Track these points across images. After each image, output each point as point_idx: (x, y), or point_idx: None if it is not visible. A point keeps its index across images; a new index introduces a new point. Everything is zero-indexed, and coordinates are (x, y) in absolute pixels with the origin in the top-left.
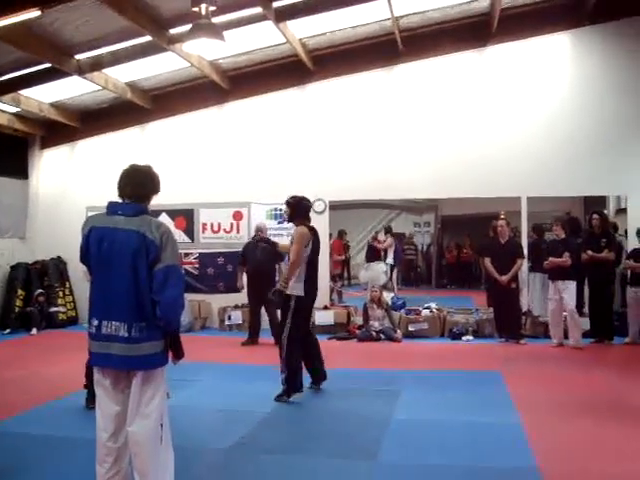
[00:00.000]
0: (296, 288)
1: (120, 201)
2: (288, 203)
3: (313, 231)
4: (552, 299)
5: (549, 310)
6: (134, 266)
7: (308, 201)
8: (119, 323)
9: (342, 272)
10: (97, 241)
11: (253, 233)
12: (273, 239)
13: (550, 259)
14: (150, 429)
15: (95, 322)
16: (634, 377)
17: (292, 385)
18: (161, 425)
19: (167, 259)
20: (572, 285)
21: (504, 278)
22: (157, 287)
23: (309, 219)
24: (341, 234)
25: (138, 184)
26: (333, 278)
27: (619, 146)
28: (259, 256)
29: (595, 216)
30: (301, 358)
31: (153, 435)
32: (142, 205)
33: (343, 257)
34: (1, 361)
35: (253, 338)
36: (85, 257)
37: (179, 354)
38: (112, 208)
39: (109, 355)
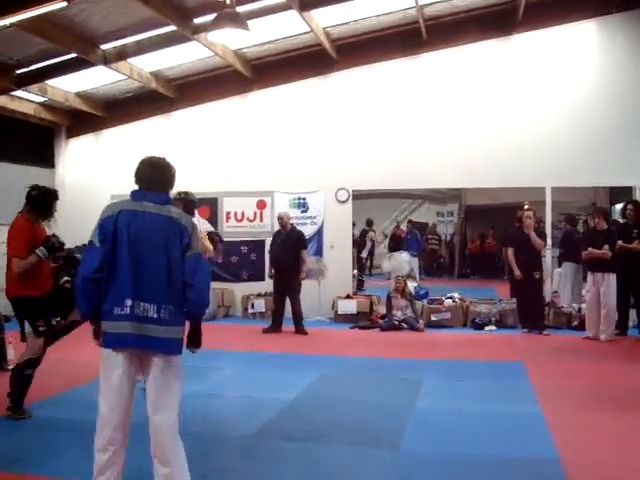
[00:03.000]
0: None
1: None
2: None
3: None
4: (590, 291)
5: (586, 302)
6: (167, 249)
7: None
8: (149, 304)
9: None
10: (127, 223)
11: (276, 222)
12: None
13: (589, 249)
14: (173, 418)
15: (129, 302)
16: None
17: None
18: (178, 414)
19: (197, 248)
20: (613, 278)
21: (518, 273)
22: (190, 271)
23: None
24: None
25: (159, 177)
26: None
27: None
28: (279, 245)
29: (630, 206)
30: None
31: (174, 424)
32: (168, 196)
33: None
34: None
35: (276, 326)
36: (110, 238)
37: (198, 342)
38: (138, 195)
39: (143, 336)
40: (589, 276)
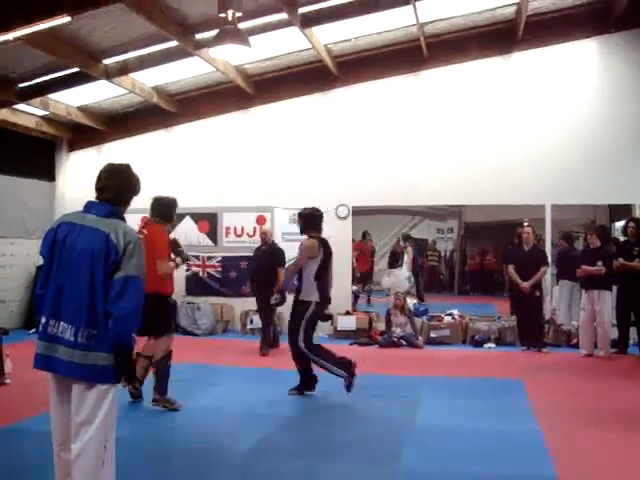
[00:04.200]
0: (311, 295)
1: (96, 201)
2: (300, 215)
3: (323, 242)
4: (585, 309)
5: (580, 320)
6: (92, 267)
7: (319, 212)
8: (66, 324)
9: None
10: (64, 235)
11: (276, 237)
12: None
13: (583, 267)
14: (91, 450)
15: (43, 319)
16: None
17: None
18: (105, 447)
19: (129, 269)
20: (607, 295)
21: (526, 284)
22: (113, 297)
23: (320, 230)
24: (365, 235)
25: (114, 185)
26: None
27: None
28: (259, 261)
29: (631, 224)
30: (328, 353)
31: (94, 457)
32: (116, 207)
33: (355, 255)
34: (26, 361)
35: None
36: (48, 250)
37: (129, 377)
38: (86, 206)
39: (52, 358)
40: (584, 294)
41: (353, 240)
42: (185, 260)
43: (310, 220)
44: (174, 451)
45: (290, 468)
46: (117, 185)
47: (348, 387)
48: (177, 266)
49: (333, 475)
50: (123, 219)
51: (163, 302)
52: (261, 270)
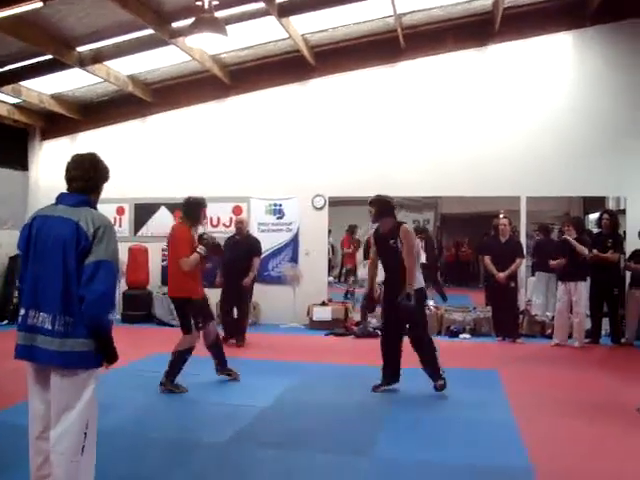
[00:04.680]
0: (419, 281)
1: (67, 192)
2: (373, 202)
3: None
4: (561, 300)
5: (556, 310)
6: (64, 256)
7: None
8: (45, 314)
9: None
10: (37, 229)
11: (251, 228)
12: (270, 235)
13: (557, 261)
14: (71, 435)
15: (22, 311)
16: (629, 378)
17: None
18: (85, 434)
19: (100, 254)
20: (584, 286)
21: (501, 275)
22: (84, 282)
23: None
24: (352, 229)
25: (81, 175)
26: (346, 274)
27: (619, 147)
28: (234, 250)
29: (605, 216)
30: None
31: (73, 443)
32: (86, 196)
33: (351, 250)
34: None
35: (229, 335)
36: (24, 244)
37: (109, 358)
38: (58, 198)
39: (32, 347)
40: (560, 285)
41: (329, 230)
42: (211, 246)
43: (388, 206)
44: (149, 442)
45: (266, 458)
46: (84, 174)
47: (442, 387)
48: (203, 256)
49: (309, 464)
50: (94, 207)
51: (187, 304)
52: (236, 260)
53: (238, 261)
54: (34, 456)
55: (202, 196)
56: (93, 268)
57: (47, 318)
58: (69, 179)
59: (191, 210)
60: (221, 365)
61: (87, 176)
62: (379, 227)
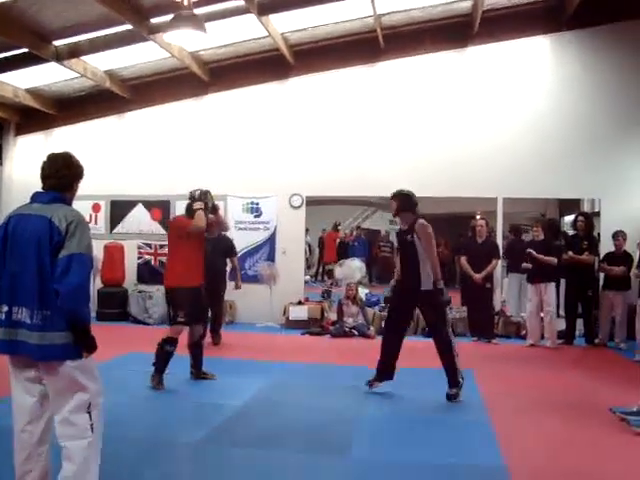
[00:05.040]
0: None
1: (41, 190)
2: (396, 196)
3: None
4: (531, 300)
5: (527, 311)
6: (38, 251)
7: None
8: (25, 309)
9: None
10: (13, 227)
11: (231, 224)
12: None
13: (537, 256)
14: (76, 419)
15: (5, 308)
16: (602, 378)
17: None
18: (89, 413)
19: (72, 248)
20: (552, 287)
21: (478, 276)
22: (58, 275)
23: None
24: (336, 226)
25: (55, 173)
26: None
27: (594, 150)
28: (210, 250)
29: (580, 218)
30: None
31: (81, 425)
32: (60, 193)
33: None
34: None
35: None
36: (1, 244)
37: (86, 347)
38: (32, 197)
39: (15, 342)
40: (530, 286)
41: (307, 230)
42: (211, 207)
43: (409, 201)
44: (121, 440)
45: (240, 457)
46: (57, 173)
47: (455, 396)
48: (202, 209)
49: (283, 463)
50: (68, 204)
51: (173, 292)
52: (213, 261)
53: (212, 261)
54: (19, 451)
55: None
56: (66, 261)
57: (27, 313)
58: (43, 177)
59: (188, 206)
60: (196, 368)
61: (60, 174)
62: (400, 223)
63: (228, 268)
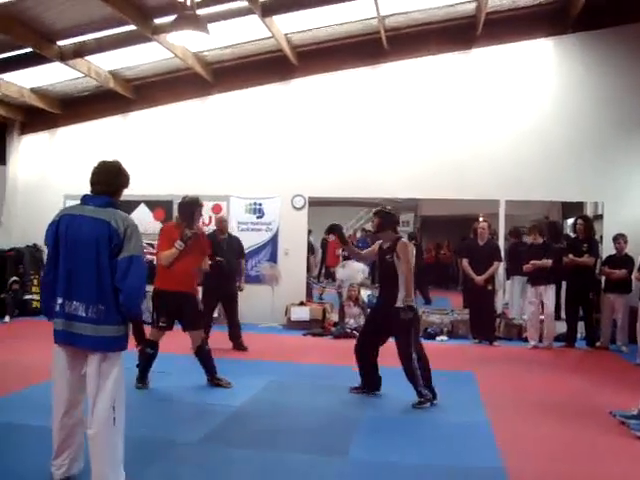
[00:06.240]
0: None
1: (91, 194)
2: (379, 213)
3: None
4: (532, 303)
5: (528, 313)
6: (97, 251)
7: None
8: (78, 303)
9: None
10: (66, 226)
11: (231, 227)
12: (250, 234)
13: (532, 262)
14: (103, 410)
15: (59, 300)
16: (603, 381)
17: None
18: (113, 407)
19: (131, 250)
20: (552, 290)
21: (479, 278)
22: (120, 275)
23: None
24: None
25: (108, 180)
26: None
27: (598, 153)
28: (225, 249)
29: (580, 221)
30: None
31: (106, 417)
32: (111, 198)
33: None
34: None
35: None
36: (52, 240)
37: (140, 340)
38: (84, 199)
39: (71, 333)
40: (530, 289)
41: (310, 231)
42: (187, 239)
43: (391, 219)
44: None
45: (240, 457)
46: (112, 183)
47: (418, 404)
48: (178, 249)
49: (282, 464)
50: (118, 208)
51: (156, 296)
52: (225, 260)
53: (228, 260)
54: (58, 431)
55: (197, 196)
56: (127, 262)
57: (81, 306)
58: (93, 182)
59: (183, 210)
60: (208, 374)
61: (111, 181)
62: (381, 242)
63: None
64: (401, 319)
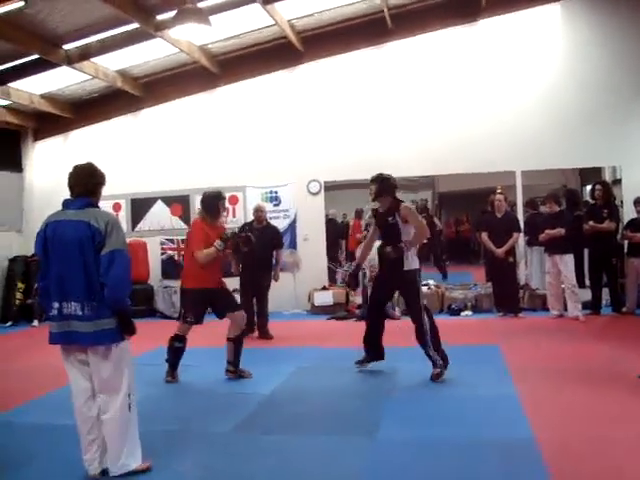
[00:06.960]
0: (415, 262)
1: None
2: (375, 179)
3: None
4: (550, 272)
5: (546, 283)
6: (82, 252)
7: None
8: (75, 303)
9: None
10: (52, 232)
11: (248, 216)
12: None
13: (546, 232)
14: (117, 400)
15: (56, 305)
16: (629, 346)
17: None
18: (129, 395)
19: (112, 244)
20: (570, 258)
21: (500, 251)
22: (103, 269)
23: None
24: (359, 214)
25: (81, 182)
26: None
27: (613, 117)
28: (255, 243)
29: (598, 187)
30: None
31: (121, 405)
32: (89, 199)
33: (363, 235)
34: (6, 353)
35: (250, 328)
36: (41, 248)
37: (129, 330)
38: (65, 204)
39: (69, 332)
40: (547, 258)
41: (326, 216)
42: (226, 239)
43: (388, 184)
44: (154, 434)
45: (270, 444)
46: (88, 183)
47: (437, 376)
48: (218, 250)
49: (312, 447)
50: (97, 207)
51: (185, 293)
52: (258, 251)
53: (258, 252)
54: (82, 424)
55: (219, 189)
56: (109, 257)
57: (77, 306)
58: (71, 186)
59: (207, 205)
60: (234, 365)
61: (85, 182)
62: (379, 206)
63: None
64: (408, 279)
